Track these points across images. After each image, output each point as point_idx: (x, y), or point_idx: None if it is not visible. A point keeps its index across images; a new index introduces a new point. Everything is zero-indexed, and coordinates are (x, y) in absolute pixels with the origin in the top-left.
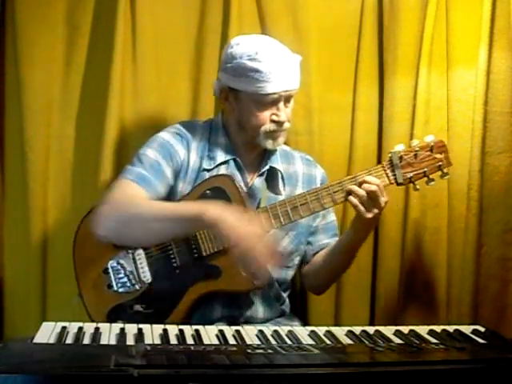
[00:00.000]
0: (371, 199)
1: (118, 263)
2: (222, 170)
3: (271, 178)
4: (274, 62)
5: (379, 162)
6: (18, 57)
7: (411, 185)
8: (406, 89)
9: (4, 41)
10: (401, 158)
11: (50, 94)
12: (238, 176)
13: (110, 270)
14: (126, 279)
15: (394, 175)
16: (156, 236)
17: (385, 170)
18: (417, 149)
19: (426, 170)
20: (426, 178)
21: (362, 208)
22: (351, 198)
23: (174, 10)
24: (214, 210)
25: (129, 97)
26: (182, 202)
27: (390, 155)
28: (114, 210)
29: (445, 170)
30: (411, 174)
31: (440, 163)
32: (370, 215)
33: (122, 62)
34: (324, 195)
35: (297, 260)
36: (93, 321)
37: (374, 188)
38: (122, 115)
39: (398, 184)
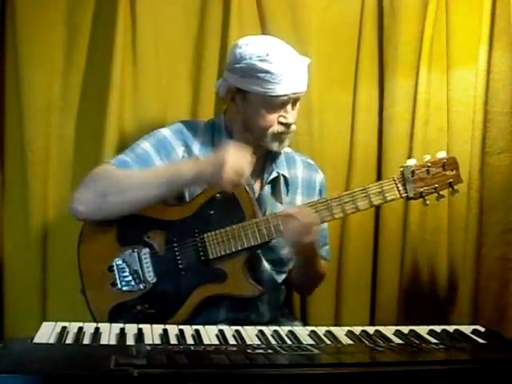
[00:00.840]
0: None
1: (124, 261)
2: None
3: (275, 183)
4: (284, 64)
5: (379, 161)
6: (18, 57)
7: (420, 200)
8: (406, 89)
9: (4, 41)
10: (413, 172)
11: (49, 94)
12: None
13: (115, 268)
14: (130, 278)
15: (405, 189)
16: (134, 201)
17: (396, 184)
18: (429, 164)
19: (436, 186)
20: (435, 194)
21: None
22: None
23: (173, 9)
24: (193, 169)
25: (129, 97)
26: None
27: (401, 169)
28: (91, 184)
29: (455, 187)
30: (422, 189)
31: (451, 180)
32: (302, 244)
33: (122, 61)
34: (334, 205)
35: (291, 265)
36: (94, 318)
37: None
38: (121, 115)
39: (409, 198)
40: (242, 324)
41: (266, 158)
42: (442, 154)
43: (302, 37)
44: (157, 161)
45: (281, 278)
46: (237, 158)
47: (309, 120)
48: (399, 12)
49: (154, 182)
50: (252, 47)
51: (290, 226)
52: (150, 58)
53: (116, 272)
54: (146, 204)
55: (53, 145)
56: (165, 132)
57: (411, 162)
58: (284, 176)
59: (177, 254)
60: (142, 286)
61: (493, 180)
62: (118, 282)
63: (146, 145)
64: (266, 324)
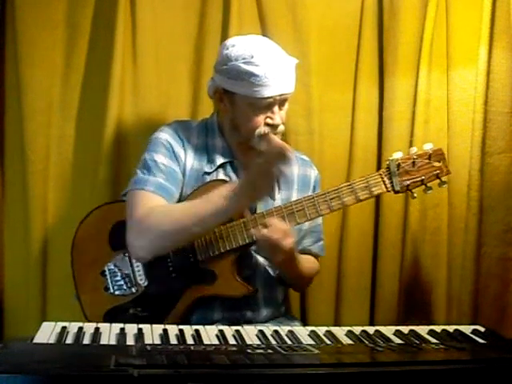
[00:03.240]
0: (274, 246)
1: (115, 266)
2: (221, 172)
3: None
4: (269, 66)
5: (379, 161)
6: (18, 57)
7: (409, 192)
8: (406, 89)
9: (4, 41)
10: (398, 165)
11: (50, 94)
12: (234, 179)
13: (107, 273)
14: (122, 282)
15: (391, 183)
16: (199, 236)
17: (382, 178)
18: (415, 157)
19: (423, 178)
20: (423, 186)
21: (270, 253)
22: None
23: (173, 10)
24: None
25: (129, 97)
26: (205, 197)
27: (387, 162)
28: (147, 229)
29: (443, 179)
30: (408, 182)
31: (438, 171)
32: (278, 259)
33: (122, 61)
34: (320, 202)
35: None
36: (89, 322)
37: (275, 237)
38: (121, 115)
39: (396, 192)
40: (239, 323)
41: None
42: (428, 146)
43: (301, 37)
44: (177, 170)
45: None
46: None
47: (309, 120)
48: (399, 12)
49: (218, 217)
50: (238, 48)
51: (263, 244)
52: (149, 57)
53: (108, 276)
54: (206, 234)
55: (53, 145)
56: (164, 136)
57: (397, 155)
58: None
59: (167, 256)
60: (134, 290)
61: (493, 180)
62: (111, 286)
63: (160, 157)
64: (265, 322)
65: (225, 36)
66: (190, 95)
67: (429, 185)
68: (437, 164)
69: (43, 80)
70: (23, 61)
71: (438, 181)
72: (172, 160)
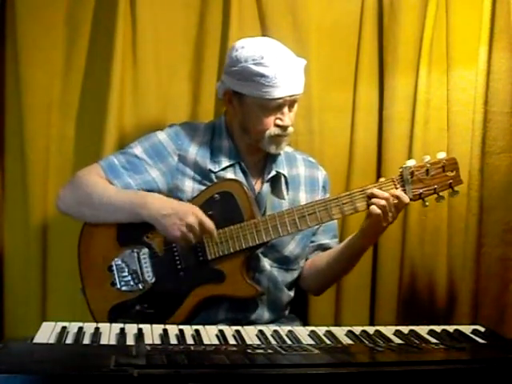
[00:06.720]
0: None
1: (123, 261)
2: (228, 173)
3: (275, 182)
4: (279, 67)
5: (379, 161)
6: (18, 57)
7: (420, 200)
8: (405, 89)
9: (4, 41)
10: (412, 173)
11: (50, 94)
12: (242, 180)
13: (115, 268)
14: (129, 278)
15: (404, 190)
16: (102, 219)
17: (395, 185)
18: (428, 165)
19: (436, 187)
20: (435, 195)
21: (381, 215)
22: (374, 207)
23: (173, 10)
24: (150, 209)
25: (129, 97)
26: (131, 190)
27: (400, 170)
28: (72, 187)
29: (455, 188)
30: (421, 191)
31: (451, 181)
32: (385, 224)
33: (122, 61)
34: (333, 206)
35: (302, 262)
36: (94, 318)
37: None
38: (121, 115)
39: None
40: (242, 324)
41: (266, 158)
42: (442, 155)
43: (301, 37)
44: (150, 168)
45: (289, 276)
46: (197, 220)
47: (309, 120)
48: (399, 12)
49: (120, 207)
50: (247, 50)
51: (381, 205)
52: (149, 58)
53: (115, 272)
54: (110, 222)
55: (53, 145)
56: (161, 136)
57: (410, 163)
58: (283, 175)
59: (176, 254)
60: (140, 286)
61: (493, 180)
62: (117, 281)
63: (138, 149)
64: (267, 323)
65: (225, 36)
66: (190, 95)
67: (441, 194)
68: (450, 173)
69: (43, 80)
70: (23, 61)
71: (449, 190)
72: (150, 157)
